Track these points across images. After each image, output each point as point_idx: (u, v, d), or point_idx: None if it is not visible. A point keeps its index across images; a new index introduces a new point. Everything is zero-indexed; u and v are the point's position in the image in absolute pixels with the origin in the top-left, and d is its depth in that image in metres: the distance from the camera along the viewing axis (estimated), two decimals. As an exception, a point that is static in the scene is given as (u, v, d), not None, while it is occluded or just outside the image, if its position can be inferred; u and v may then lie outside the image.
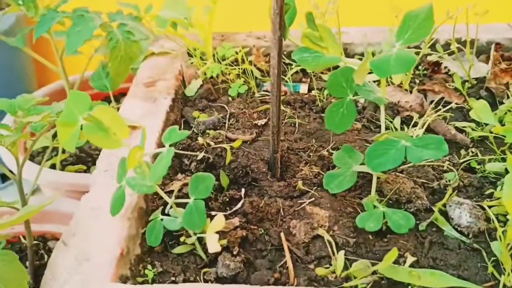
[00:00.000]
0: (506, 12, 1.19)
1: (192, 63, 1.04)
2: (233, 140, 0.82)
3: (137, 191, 0.62)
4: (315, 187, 0.73)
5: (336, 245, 0.65)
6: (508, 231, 0.60)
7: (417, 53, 0.99)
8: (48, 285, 0.57)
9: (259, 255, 0.66)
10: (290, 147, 0.82)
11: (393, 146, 0.63)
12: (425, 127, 0.83)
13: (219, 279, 0.62)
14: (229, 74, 1.01)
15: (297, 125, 0.89)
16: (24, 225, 0.93)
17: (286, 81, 1.02)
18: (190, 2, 1.01)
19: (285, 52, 1.05)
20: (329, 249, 0.64)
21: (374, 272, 0.60)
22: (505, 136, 0.77)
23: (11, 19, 1.43)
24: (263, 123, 0.88)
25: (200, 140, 0.82)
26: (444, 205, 0.69)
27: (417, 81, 0.99)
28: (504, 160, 0.76)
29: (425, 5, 0.59)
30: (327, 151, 0.81)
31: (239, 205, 0.71)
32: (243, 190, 0.74)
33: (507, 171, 0.72)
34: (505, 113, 0.83)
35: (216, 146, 0.80)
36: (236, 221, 0.67)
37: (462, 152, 0.80)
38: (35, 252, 0.98)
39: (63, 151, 1.23)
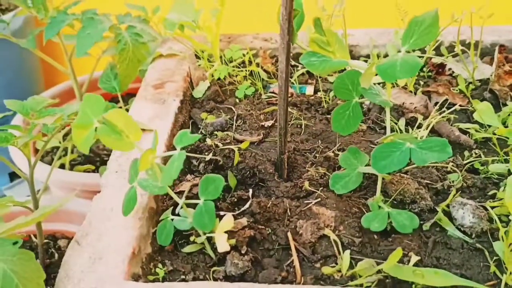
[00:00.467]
0: (511, 14, 1.20)
1: (199, 65, 1.06)
2: (241, 141, 0.84)
3: (149, 192, 0.64)
4: (321, 188, 0.75)
5: (342, 244, 0.66)
6: (510, 231, 0.61)
7: (422, 55, 1.00)
8: (63, 284, 0.59)
9: (267, 254, 0.67)
10: (296, 148, 0.83)
11: (398, 148, 0.65)
12: (429, 128, 0.84)
13: (227, 278, 0.64)
14: (236, 76, 1.03)
15: (303, 126, 0.90)
16: (35, 224, 0.95)
17: (292, 83, 1.03)
18: (198, 5, 1.03)
19: (291, 54, 1.07)
20: (335, 249, 0.65)
21: (379, 271, 0.62)
22: (508, 138, 0.78)
23: (20, 20, 1.45)
24: (269, 124, 0.90)
25: (208, 141, 0.83)
26: (448, 206, 0.71)
27: (422, 83, 1.01)
28: (507, 161, 0.78)
29: (431, 11, 0.60)
30: (333, 152, 0.83)
31: (247, 205, 0.73)
32: (250, 190, 0.76)
33: (510, 172, 0.74)
34: (509, 115, 0.85)
35: (224, 147, 0.82)
36: (244, 221, 0.69)
37: (466, 153, 0.81)
38: (45, 251, 1.00)
39: (72, 151, 1.25)
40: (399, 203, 0.73)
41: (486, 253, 0.65)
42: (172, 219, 0.68)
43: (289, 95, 0.98)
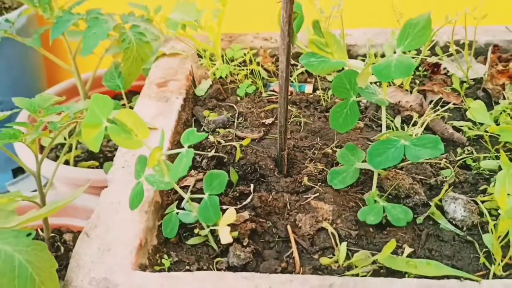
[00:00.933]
0: (504, 14, 1.23)
1: (202, 64, 1.09)
2: (242, 138, 0.87)
3: (156, 187, 0.67)
4: (320, 183, 0.78)
5: (339, 237, 0.69)
6: (499, 225, 0.64)
7: (418, 55, 1.03)
8: (74, 273, 0.62)
9: (267, 246, 0.70)
10: (296, 145, 0.86)
11: (393, 145, 0.68)
12: (424, 126, 0.87)
13: (230, 268, 0.67)
14: (237, 74, 1.06)
15: (302, 124, 0.93)
16: (42, 219, 0.98)
17: (292, 82, 1.06)
18: (200, 5, 1.06)
19: (291, 54, 1.10)
20: (333, 241, 0.69)
21: (374, 262, 0.65)
22: (499, 135, 0.81)
23: (23, 18, 1.47)
24: (270, 122, 0.93)
25: (211, 138, 0.86)
26: (440, 200, 0.74)
27: (417, 82, 1.03)
28: (498, 158, 0.81)
29: (424, 14, 0.63)
30: (331, 149, 0.86)
31: (248, 199, 0.76)
32: (252, 185, 0.79)
33: (500, 169, 0.77)
34: (500, 113, 0.88)
35: (226, 144, 0.85)
36: (246, 214, 0.72)
37: (459, 150, 0.84)
38: (51, 244, 1.03)
39: (76, 148, 1.28)
40: (394, 198, 0.76)
41: (476, 245, 0.68)
42: (177, 213, 0.71)
43: (289, 94, 1.01)
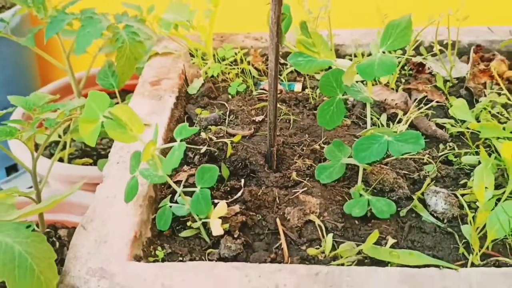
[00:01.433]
0: (487, 15, 1.27)
1: (194, 63, 1.12)
2: (233, 135, 0.90)
3: (150, 181, 0.69)
4: (308, 178, 0.81)
5: (326, 229, 0.72)
6: (477, 217, 0.68)
7: (403, 54, 1.06)
8: (72, 264, 0.64)
9: (257, 238, 0.73)
10: (285, 141, 0.89)
11: (377, 140, 0.71)
12: (408, 123, 0.90)
13: (221, 259, 0.70)
14: (228, 73, 1.09)
15: (291, 121, 0.96)
16: (37, 214, 1.00)
17: (282, 80, 1.09)
18: (192, 6, 1.09)
19: (280, 53, 1.13)
20: (319, 233, 0.72)
21: (359, 252, 0.68)
22: (480, 132, 0.84)
23: (17, 18, 1.49)
24: (260, 119, 0.96)
25: (203, 135, 0.89)
26: (423, 194, 0.77)
27: (403, 81, 1.07)
28: (478, 153, 0.84)
29: (406, 15, 0.66)
30: (319, 145, 0.89)
31: (239, 194, 0.78)
32: (242, 180, 0.82)
33: (480, 163, 0.81)
34: (481, 111, 0.91)
35: (217, 140, 0.87)
36: (236, 208, 0.75)
37: (441, 146, 0.88)
38: (46, 239, 1.05)
39: (70, 145, 1.30)
40: (379, 192, 0.80)
41: (456, 236, 0.71)
42: (170, 206, 0.73)
43: (279, 92, 1.05)
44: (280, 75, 1.10)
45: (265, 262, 0.68)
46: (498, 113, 0.91)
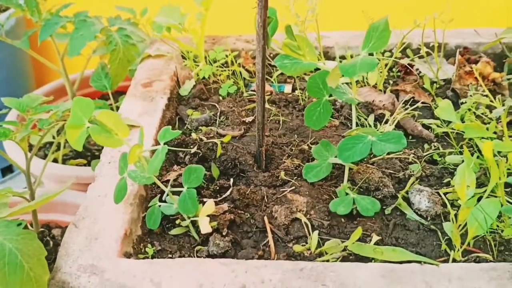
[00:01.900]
0: (474, 18, 1.29)
1: (185, 65, 1.13)
2: (223, 136, 0.92)
3: (138, 182, 0.71)
4: (296, 177, 0.83)
5: (312, 227, 0.74)
6: (459, 214, 0.70)
7: (391, 57, 1.08)
8: (63, 260, 0.66)
9: (245, 236, 0.75)
10: (274, 141, 0.91)
11: (361, 140, 0.73)
12: (394, 123, 0.92)
13: (210, 256, 0.71)
14: (220, 75, 1.10)
15: (281, 122, 0.98)
16: (31, 214, 1.02)
17: (272, 82, 1.11)
18: (184, 9, 1.10)
19: (271, 55, 1.15)
20: (306, 230, 0.73)
21: (344, 249, 0.70)
22: (464, 132, 0.86)
23: (12, 20, 1.51)
24: (250, 120, 0.97)
25: (194, 135, 0.91)
26: (407, 192, 0.79)
27: (391, 82, 1.09)
28: (462, 153, 0.86)
29: (383, 18, 0.68)
30: (307, 145, 0.91)
31: (228, 192, 0.80)
32: (231, 180, 0.83)
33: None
34: (465, 112, 0.93)
35: (208, 141, 0.89)
36: (225, 206, 0.77)
37: (426, 146, 0.90)
38: (40, 239, 1.06)
39: (64, 146, 1.32)
40: (365, 191, 0.81)
41: (439, 233, 0.73)
42: (160, 205, 0.75)
43: (269, 93, 1.07)
44: (271, 77, 1.11)
45: (253, 258, 0.70)
46: (482, 114, 0.93)
